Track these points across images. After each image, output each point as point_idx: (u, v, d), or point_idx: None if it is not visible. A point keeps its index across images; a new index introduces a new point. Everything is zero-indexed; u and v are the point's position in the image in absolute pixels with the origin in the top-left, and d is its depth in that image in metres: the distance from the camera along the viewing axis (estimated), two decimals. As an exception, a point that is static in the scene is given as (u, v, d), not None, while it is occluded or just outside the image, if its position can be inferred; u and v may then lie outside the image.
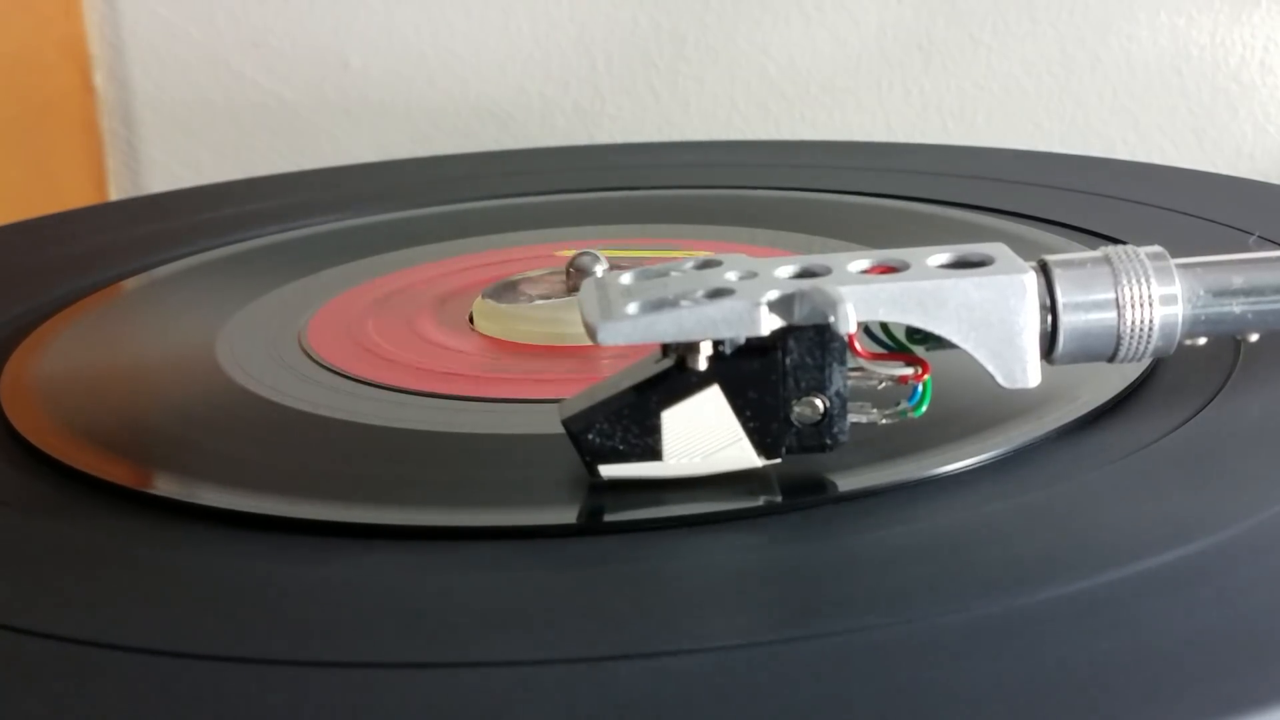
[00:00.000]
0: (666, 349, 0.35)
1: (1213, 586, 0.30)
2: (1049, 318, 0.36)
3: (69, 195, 0.99)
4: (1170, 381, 0.40)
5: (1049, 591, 0.30)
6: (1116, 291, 0.36)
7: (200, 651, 0.29)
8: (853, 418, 0.35)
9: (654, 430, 0.35)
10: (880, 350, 0.36)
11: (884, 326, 0.36)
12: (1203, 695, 0.26)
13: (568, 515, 0.35)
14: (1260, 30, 0.93)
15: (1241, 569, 0.31)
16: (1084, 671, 0.27)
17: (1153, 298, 0.36)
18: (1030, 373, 0.35)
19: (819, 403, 0.35)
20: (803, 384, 0.34)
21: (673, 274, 0.36)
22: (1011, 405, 0.38)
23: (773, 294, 0.34)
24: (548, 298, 0.49)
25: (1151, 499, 0.34)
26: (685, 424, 0.35)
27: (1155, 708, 0.26)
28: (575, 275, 0.48)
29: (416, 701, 0.27)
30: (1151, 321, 0.36)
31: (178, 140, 1.02)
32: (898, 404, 0.36)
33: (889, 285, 0.34)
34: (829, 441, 0.35)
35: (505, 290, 0.50)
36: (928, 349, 0.36)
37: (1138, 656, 0.27)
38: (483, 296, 0.50)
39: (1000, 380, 0.35)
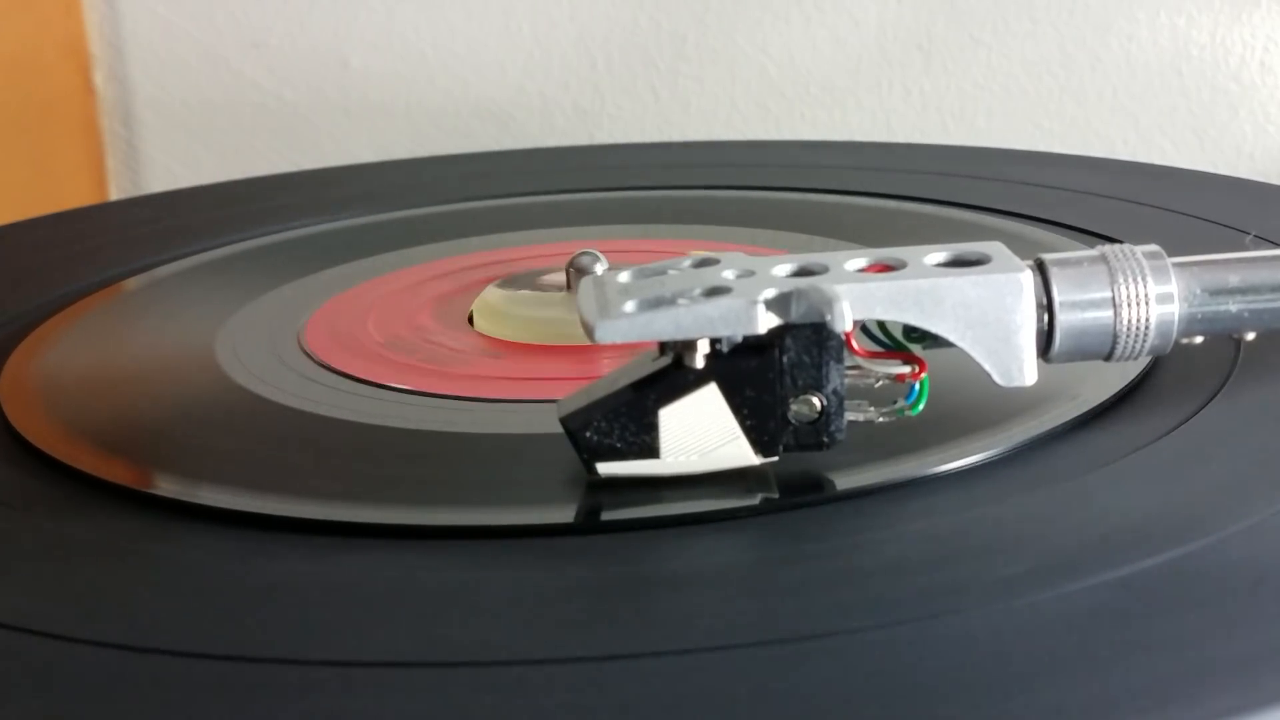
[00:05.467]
0: (664, 347, 0.35)
1: (1212, 586, 0.30)
2: (1045, 316, 0.36)
3: (69, 195, 0.99)
4: (1170, 381, 0.40)
5: (1049, 591, 0.30)
6: (1113, 290, 0.36)
7: (200, 650, 0.29)
8: (850, 416, 0.35)
9: (651, 428, 0.35)
10: (877, 349, 0.36)
11: (881, 325, 0.36)
12: (1203, 694, 0.26)
13: (566, 514, 0.35)
14: (1260, 30, 0.93)
15: (1241, 569, 0.31)
16: (1085, 671, 0.27)
17: (1149, 296, 0.36)
18: (1027, 371, 0.35)
19: (816, 401, 0.35)
20: (800, 382, 0.35)
21: (670, 272, 0.36)
22: (1011, 404, 0.38)
23: (770, 292, 0.34)
24: (548, 297, 0.49)
25: (1151, 498, 0.34)
26: (683, 422, 0.35)
27: (1156, 707, 0.26)
28: (575, 275, 0.48)
29: (416, 701, 0.27)
30: (1148, 320, 0.36)
31: (178, 140, 1.02)
32: (895, 402, 0.36)
33: (886, 284, 0.34)
34: (826, 440, 0.35)
35: (506, 290, 0.50)
36: (925, 347, 0.36)
37: (1138, 656, 0.27)
38: (483, 296, 0.50)
39: (997, 379, 0.35)
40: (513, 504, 0.36)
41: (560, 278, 0.49)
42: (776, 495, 0.35)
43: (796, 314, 0.34)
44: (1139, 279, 0.36)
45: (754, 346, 0.34)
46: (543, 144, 0.97)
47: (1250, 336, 0.38)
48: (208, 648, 0.29)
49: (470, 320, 0.49)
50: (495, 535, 0.34)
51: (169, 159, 1.03)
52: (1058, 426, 0.38)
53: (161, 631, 0.30)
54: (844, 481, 0.35)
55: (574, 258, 0.48)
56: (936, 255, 0.36)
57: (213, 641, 0.30)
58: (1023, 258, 0.36)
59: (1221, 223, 0.56)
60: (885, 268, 0.35)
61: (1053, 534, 0.33)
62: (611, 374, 0.36)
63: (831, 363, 0.34)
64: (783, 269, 0.36)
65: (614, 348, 0.43)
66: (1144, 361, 0.40)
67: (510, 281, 0.51)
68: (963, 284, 0.34)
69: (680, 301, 0.34)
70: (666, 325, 0.34)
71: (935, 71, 0.96)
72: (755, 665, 0.28)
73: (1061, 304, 0.36)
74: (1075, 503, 0.34)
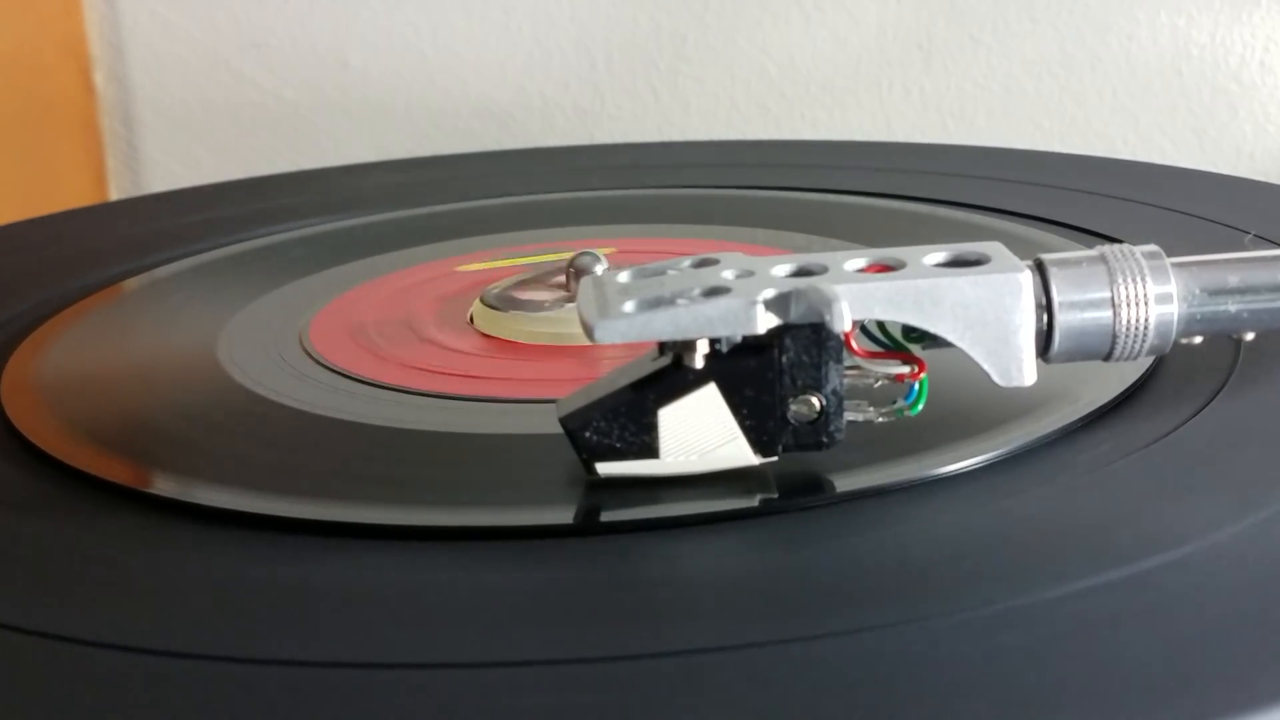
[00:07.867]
0: (663, 347, 0.35)
1: (1212, 586, 0.30)
2: (1045, 316, 0.36)
3: (69, 195, 1.00)
4: (1171, 382, 0.40)
5: (1048, 592, 0.30)
6: (1112, 290, 0.36)
7: (199, 651, 0.29)
8: (849, 416, 0.35)
9: (651, 428, 0.35)
10: (877, 349, 0.36)
11: (880, 325, 0.36)
12: (1201, 695, 0.26)
13: (566, 515, 0.35)
14: (1260, 30, 0.93)
15: (1241, 569, 0.31)
16: (1084, 671, 0.27)
17: (1148, 296, 0.36)
18: (1026, 371, 0.35)
19: (815, 401, 0.35)
20: (799, 382, 0.35)
21: (670, 272, 0.36)
22: (1012, 405, 0.38)
23: (769, 292, 0.34)
24: (548, 297, 0.49)
25: (1151, 499, 0.34)
26: (682, 422, 0.35)
27: (1155, 708, 0.26)
28: (575, 275, 0.48)
29: (416, 701, 0.28)
30: (1147, 320, 0.36)
31: (178, 140, 1.02)
32: (894, 402, 0.36)
33: (885, 284, 0.34)
34: (825, 440, 0.35)
35: (506, 290, 0.50)
36: (924, 347, 0.36)
37: (1138, 656, 0.27)
38: (483, 296, 0.50)
39: (996, 379, 0.35)
40: (512, 504, 0.36)
41: (560, 278, 0.49)
42: (775, 496, 0.35)
43: (795, 314, 0.34)
44: (1138, 279, 0.36)
45: (753, 347, 0.34)
46: (543, 144, 0.97)
47: (1249, 337, 0.38)
48: (207, 648, 0.29)
49: (470, 320, 0.49)
50: (494, 536, 0.34)
51: (169, 159, 1.03)
52: (1059, 428, 0.38)
53: (161, 631, 0.30)
54: (843, 483, 0.35)
55: (574, 258, 0.48)
56: (936, 255, 0.36)
57: (212, 641, 0.30)
58: (1022, 258, 0.36)
59: (1221, 222, 0.56)
60: (884, 268, 0.35)
61: (1053, 536, 0.33)
62: (611, 374, 0.36)
63: (830, 363, 0.34)
64: (782, 269, 0.36)
65: (614, 348, 0.43)
66: (1145, 363, 0.40)
67: (510, 282, 0.51)
68: (962, 284, 0.34)
69: (679, 301, 0.34)
70: (666, 325, 0.34)
71: (935, 71, 0.96)
72: (754, 666, 0.28)
73: (1061, 304, 0.36)
74: (1076, 504, 0.34)
